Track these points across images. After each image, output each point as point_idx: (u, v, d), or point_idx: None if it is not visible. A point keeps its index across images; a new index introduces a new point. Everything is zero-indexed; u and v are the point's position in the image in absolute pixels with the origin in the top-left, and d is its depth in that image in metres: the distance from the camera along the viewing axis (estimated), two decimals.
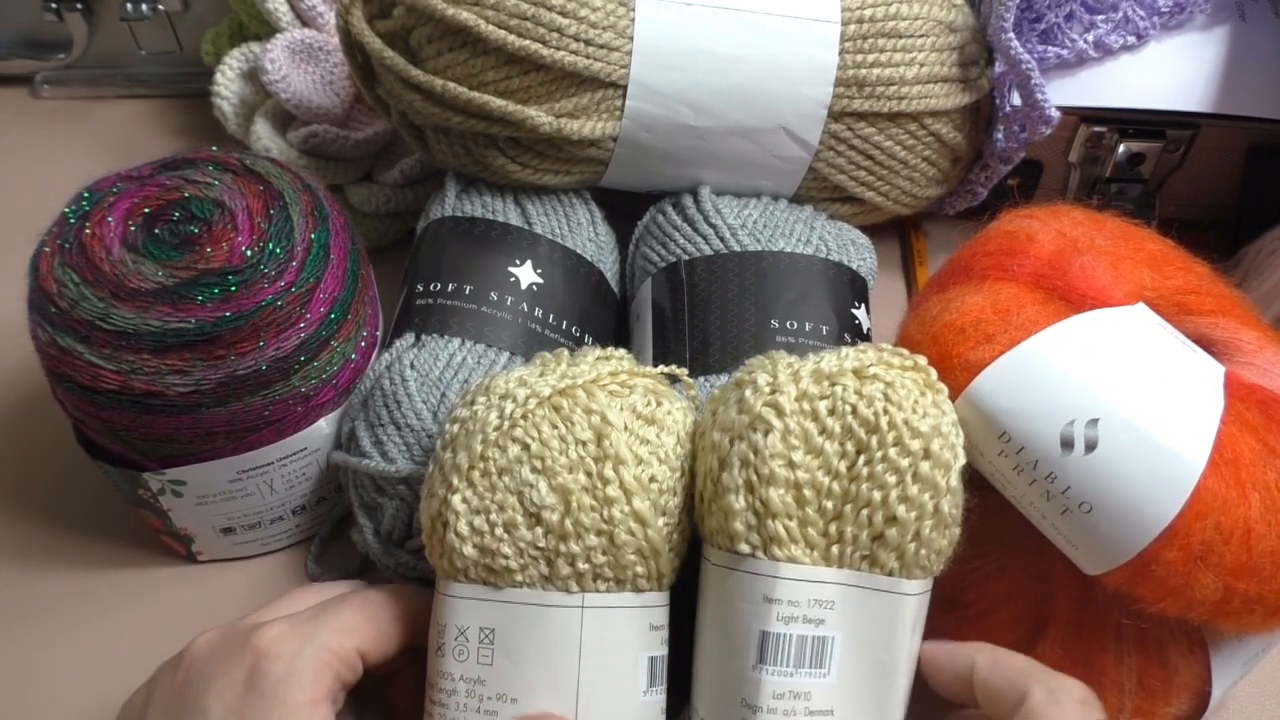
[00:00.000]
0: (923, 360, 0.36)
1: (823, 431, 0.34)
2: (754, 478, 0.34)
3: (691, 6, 0.46)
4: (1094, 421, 0.35)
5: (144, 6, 0.62)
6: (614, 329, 0.50)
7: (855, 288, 0.47)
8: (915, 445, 0.34)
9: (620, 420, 0.36)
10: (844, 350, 0.37)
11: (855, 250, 0.49)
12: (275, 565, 0.47)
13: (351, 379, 0.44)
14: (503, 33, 0.44)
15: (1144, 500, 0.34)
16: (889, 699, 0.35)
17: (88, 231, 0.41)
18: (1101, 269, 0.40)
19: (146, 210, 0.42)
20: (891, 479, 0.34)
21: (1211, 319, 0.40)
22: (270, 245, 0.41)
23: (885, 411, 0.34)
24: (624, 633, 0.35)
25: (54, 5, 0.62)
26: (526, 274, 0.46)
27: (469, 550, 0.35)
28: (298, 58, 0.54)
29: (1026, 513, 0.36)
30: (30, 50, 0.65)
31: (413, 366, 0.43)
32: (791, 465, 0.34)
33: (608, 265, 0.50)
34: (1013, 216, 0.44)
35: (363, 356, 0.45)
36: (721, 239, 0.47)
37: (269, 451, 0.42)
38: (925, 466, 0.34)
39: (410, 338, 0.44)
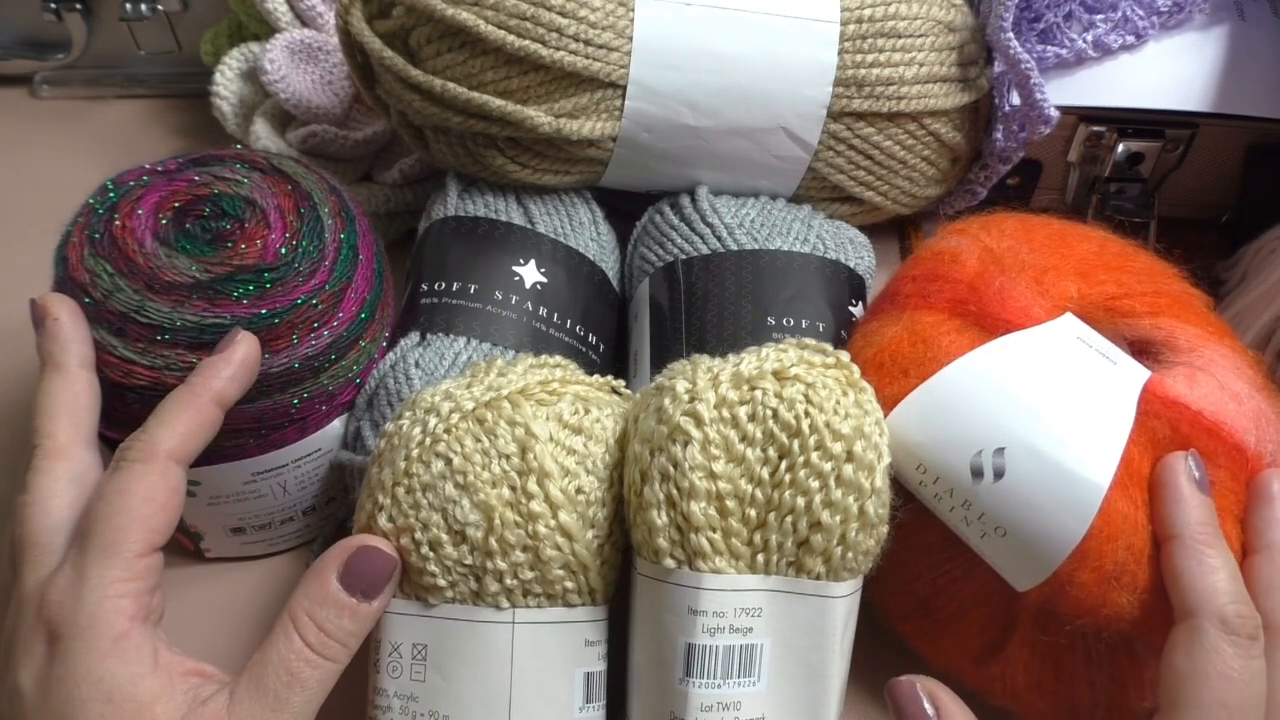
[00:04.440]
0: (845, 357, 0.36)
1: (744, 439, 0.34)
2: (674, 492, 0.33)
3: (691, 6, 0.46)
4: (1000, 450, 0.35)
5: (143, 6, 0.62)
6: (616, 328, 0.50)
7: (853, 285, 0.48)
8: (837, 448, 0.33)
9: (545, 431, 0.35)
10: (765, 350, 0.36)
11: (853, 248, 0.49)
12: (283, 563, 0.47)
13: None
14: (502, 33, 0.44)
15: (1052, 524, 0.34)
16: (822, 702, 0.34)
17: (117, 223, 0.40)
18: (1022, 288, 0.40)
19: (176, 204, 0.41)
20: (815, 484, 0.33)
21: (1147, 319, 0.40)
22: (304, 243, 0.40)
23: (806, 414, 0.33)
24: (556, 649, 0.35)
25: (53, 5, 0.62)
26: (530, 273, 0.46)
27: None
28: (297, 58, 0.54)
29: (958, 535, 0.37)
30: (29, 50, 0.65)
31: (418, 365, 0.43)
32: (712, 476, 0.33)
33: (609, 265, 0.50)
34: (945, 233, 0.44)
35: (382, 355, 0.45)
36: (719, 238, 0.47)
37: (287, 452, 0.42)
38: (848, 470, 0.33)
39: (415, 336, 0.44)
